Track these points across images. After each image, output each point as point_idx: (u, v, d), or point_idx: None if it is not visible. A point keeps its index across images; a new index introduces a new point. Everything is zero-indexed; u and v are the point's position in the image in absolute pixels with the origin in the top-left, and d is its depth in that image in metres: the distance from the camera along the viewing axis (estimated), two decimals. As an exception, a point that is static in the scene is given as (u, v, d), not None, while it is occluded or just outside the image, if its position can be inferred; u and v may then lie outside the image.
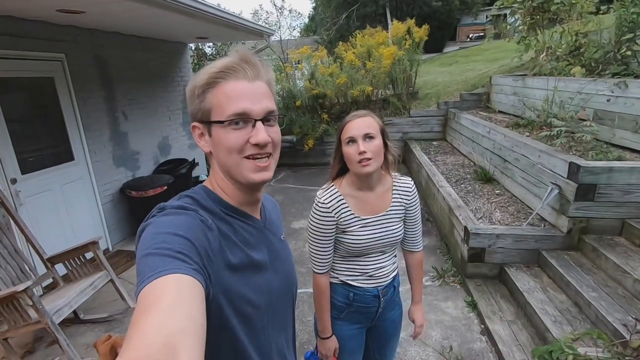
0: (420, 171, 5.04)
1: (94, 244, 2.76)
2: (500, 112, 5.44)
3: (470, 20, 25.11)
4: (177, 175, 4.71)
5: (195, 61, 7.22)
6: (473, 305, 2.72)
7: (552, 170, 2.90)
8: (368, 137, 1.20)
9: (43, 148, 3.44)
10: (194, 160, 5.35)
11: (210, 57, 7.86)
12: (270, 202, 0.88)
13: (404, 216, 1.36)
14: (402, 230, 1.36)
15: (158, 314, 0.43)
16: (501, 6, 5.40)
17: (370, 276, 1.35)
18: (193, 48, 7.36)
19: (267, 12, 14.48)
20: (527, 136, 3.71)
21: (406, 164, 6.50)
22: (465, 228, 2.92)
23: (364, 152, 1.18)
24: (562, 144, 3.08)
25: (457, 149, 5.67)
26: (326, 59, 7.73)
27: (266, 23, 13.61)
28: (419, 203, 1.39)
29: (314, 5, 25.49)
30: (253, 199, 0.74)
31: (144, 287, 0.47)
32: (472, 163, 4.87)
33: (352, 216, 1.28)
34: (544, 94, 3.99)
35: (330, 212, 1.27)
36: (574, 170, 2.62)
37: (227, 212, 0.69)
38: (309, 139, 6.51)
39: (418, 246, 1.44)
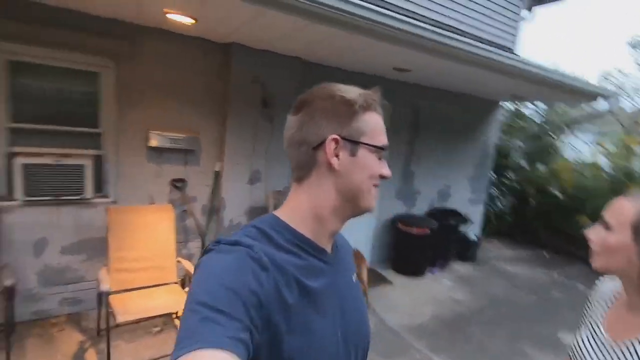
0: None
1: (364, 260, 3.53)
2: None
3: None
4: (445, 224, 4.73)
5: (506, 121, 6.92)
6: None
7: None
8: (603, 222, 0.85)
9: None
10: (467, 217, 5.17)
11: (529, 117, 7.25)
12: (342, 239, 0.80)
13: None
14: None
15: None
16: None
17: None
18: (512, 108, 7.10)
19: (623, 73, 11.00)
20: None
21: None
22: None
23: (590, 239, 0.87)
24: None
25: None
26: None
27: (619, 87, 10.86)
28: None
29: None
30: (338, 230, 0.71)
31: (177, 357, 0.47)
32: None
33: (591, 324, 0.95)
34: None
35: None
36: None
37: (296, 243, 0.65)
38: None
39: None
